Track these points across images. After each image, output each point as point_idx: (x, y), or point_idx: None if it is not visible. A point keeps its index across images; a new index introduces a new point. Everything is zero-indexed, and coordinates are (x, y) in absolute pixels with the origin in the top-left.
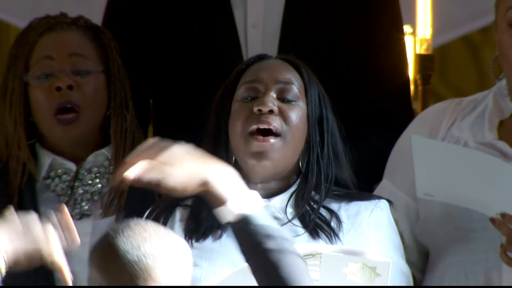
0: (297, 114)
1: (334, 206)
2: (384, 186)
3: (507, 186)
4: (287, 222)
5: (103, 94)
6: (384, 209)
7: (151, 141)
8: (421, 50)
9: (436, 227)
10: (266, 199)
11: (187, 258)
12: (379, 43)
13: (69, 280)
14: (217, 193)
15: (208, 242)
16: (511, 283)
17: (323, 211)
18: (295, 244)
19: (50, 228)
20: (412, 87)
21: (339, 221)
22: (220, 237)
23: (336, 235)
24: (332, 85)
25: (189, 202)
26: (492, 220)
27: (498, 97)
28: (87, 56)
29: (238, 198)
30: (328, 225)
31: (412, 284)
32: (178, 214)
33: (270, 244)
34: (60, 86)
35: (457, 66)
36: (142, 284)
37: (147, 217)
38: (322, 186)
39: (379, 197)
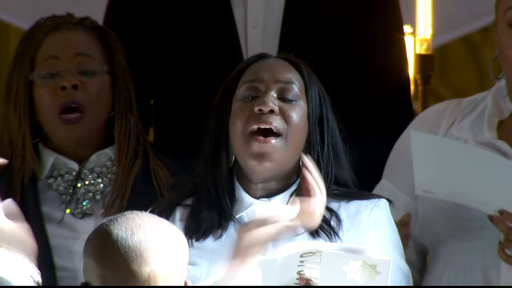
0: (297, 113)
1: (334, 205)
2: (383, 185)
3: (506, 183)
4: None
5: (107, 94)
6: (384, 208)
7: None
8: (421, 50)
9: (435, 225)
10: (266, 199)
11: (182, 243)
12: (379, 43)
13: None
14: None
15: (208, 241)
16: (509, 281)
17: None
18: (295, 242)
19: None
20: (412, 87)
21: (339, 220)
22: (220, 236)
23: (336, 234)
24: (332, 85)
25: (189, 201)
26: (490, 217)
27: (497, 97)
28: (93, 56)
29: None
30: (328, 224)
31: (411, 283)
32: (178, 214)
33: None
34: (65, 86)
35: (457, 66)
36: (136, 268)
37: None
38: None
39: (379, 196)
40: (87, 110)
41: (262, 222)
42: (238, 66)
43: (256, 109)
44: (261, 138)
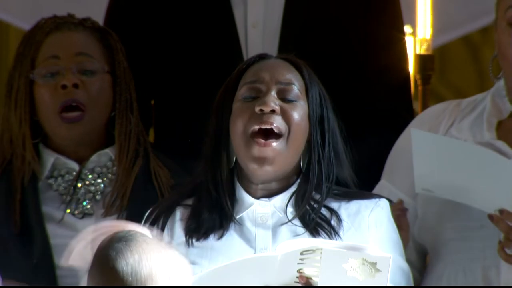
0: (298, 113)
1: (334, 205)
2: (383, 186)
3: (506, 182)
4: (287, 222)
5: (108, 94)
6: (384, 208)
7: None
8: (421, 50)
9: (434, 225)
10: (266, 199)
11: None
12: (380, 43)
13: None
14: None
15: (209, 241)
16: (509, 281)
17: (323, 210)
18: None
19: None
20: (412, 87)
21: (339, 219)
22: (221, 237)
23: (336, 233)
24: (333, 85)
25: (189, 202)
26: (490, 216)
27: (496, 98)
28: (93, 56)
29: None
30: (329, 223)
31: (412, 283)
32: (179, 214)
33: None
34: (66, 84)
35: (457, 66)
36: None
37: (148, 217)
38: (323, 185)
39: (379, 196)
40: (88, 109)
41: None
42: (239, 67)
43: (257, 109)
44: (262, 141)
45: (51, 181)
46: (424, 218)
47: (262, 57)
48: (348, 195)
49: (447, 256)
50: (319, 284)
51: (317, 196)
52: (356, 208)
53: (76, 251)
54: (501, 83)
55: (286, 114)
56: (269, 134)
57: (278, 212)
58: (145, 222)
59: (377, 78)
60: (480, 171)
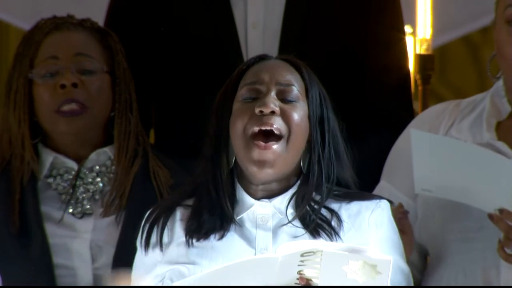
0: (298, 113)
1: (334, 205)
2: (383, 187)
3: (506, 181)
4: (287, 223)
5: (107, 94)
6: (385, 209)
7: None
8: (421, 50)
9: (434, 226)
10: (267, 200)
11: None
12: (380, 43)
13: None
14: None
15: (209, 241)
16: (509, 282)
17: (323, 211)
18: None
19: None
20: (412, 87)
21: (339, 220)
22: (221, 237)
23: (336, 234)
24: (333, 85)
25: (190, 202)
26: (490, 216)
27: (495, 98)
28: (93, 56)
29: None
30: (329, 224)
31: (412, 284)
32: (179, 214)
33: None
34: (65, 84)
35: (457, 66)
36: None
37: (148, 217)
38: (323, 186)
39: (380, 197)
40: (87, 107)
41: None
42: (239, 68)
43: (257, 110)
44: (262, 144)
45: (50, 180)
46: (424, 219)
47: (262, 58)
48: (349, 196)
49: (447, 257)
50: (319, 286)
51: (318, 197)
52: (357, 209)
53: None
54: (500, 83)
55: (286, 115)
56: (269, 135)
57: (278, 213)
58: (145, 223)
59: (377, 78)
60: (480, 171)
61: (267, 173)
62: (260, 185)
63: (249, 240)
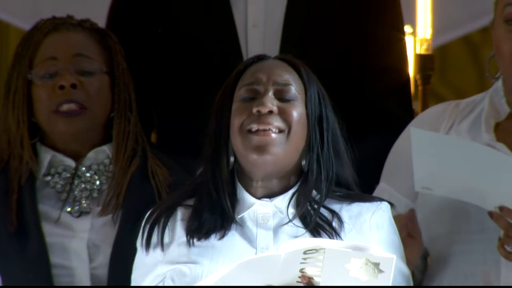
0: (297, 111)
1: (335, 206)
2: (383, 189)
3: (506, 179)
4: (288, 222)
5: (107, 95)
6: (386, 211)
7: None
8: (421, 50)
9: (434, 228)
10: (267, 199)
11: None
12: (380, 43)
13: None
14: None
15: (210, 240)
16: (509, 283)
17: (324, 212)
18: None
19: None
20: (412, 87)
21: (340, 221)
22: (222, 236)
23: (337, 234)
24: (333, 85)
25: (191, 202)
26: (490, 213)
27: (494, 99)
28: (92, 57)
29: None
30: (330, 225)
31: (411, 285)
32: (180, 214)
33: None
34: (64, 85)
35: (457, 66)
36: None
37: (149, 217)
38: (322, 185)
39: (381, 199)
40: (86, 107)
41: None
42: (237, 68)
43: (254, 110)
44: (261, 132)
45: (48, 178)
46: (424, 221)
47: (260, 58)
48: (350, 197)
49: (448, 259)
50: (321, 284)
51: (318, 197)
52: (358, 211)
53: None
54: (499, 84)
55: (285, 113)
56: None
57: (279, 212)
58: (145, 223)
59: (377, 78)
60: (480, 169)
61: (266, 161)
62: (260, 181)
63: (250, 239)
